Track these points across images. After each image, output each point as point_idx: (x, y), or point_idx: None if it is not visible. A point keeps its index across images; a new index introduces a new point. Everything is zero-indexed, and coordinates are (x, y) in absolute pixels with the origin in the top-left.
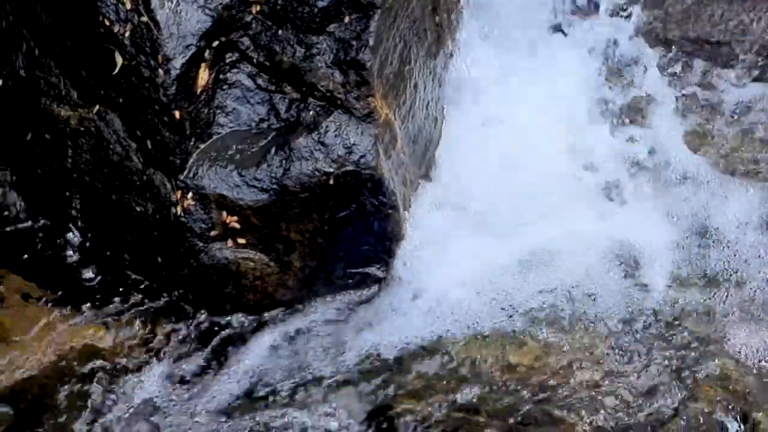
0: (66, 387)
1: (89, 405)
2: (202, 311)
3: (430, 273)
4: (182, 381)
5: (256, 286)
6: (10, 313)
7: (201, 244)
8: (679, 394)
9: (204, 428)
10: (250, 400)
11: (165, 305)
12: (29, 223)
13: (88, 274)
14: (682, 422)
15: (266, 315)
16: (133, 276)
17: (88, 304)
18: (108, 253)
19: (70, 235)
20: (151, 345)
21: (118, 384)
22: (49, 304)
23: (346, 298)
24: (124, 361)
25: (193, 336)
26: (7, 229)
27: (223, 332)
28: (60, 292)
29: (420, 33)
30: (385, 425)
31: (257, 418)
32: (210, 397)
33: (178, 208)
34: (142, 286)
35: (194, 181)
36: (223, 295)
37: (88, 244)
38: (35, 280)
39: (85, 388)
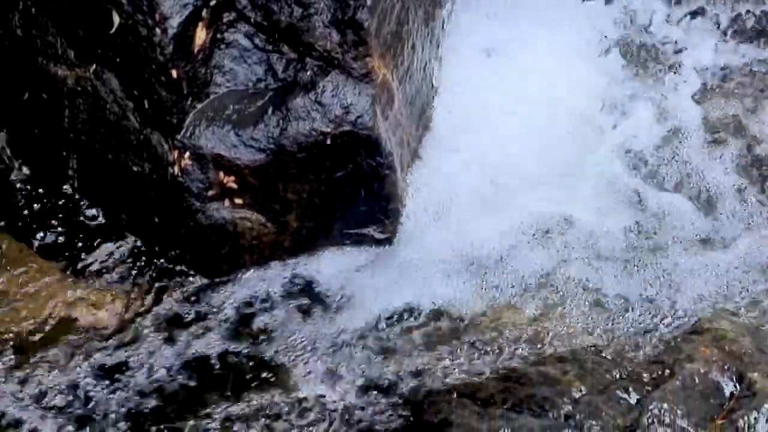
0: (69, 338)
1: (91, 358)
2: (199, 272)
3: (432, 235)
4: (175, 340)
5: (254, 247)
6: (7, 272)
7: (198, 204)
8: (676, 355)
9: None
10: (246, 358)
11: (162, 266)
12: (26, 183)
13: (85, 234)
14: (678, 383)
15: (263, 274)
16: (131, 236)
17: (86, 264)
18: (105, 213)
19: (67, 194)
20: (148, 305)
21: (116, 341)
22: (47, 264)
23: (344, 258)
24: (121, 320)
25: (190, 296)
26: (4, 188)
27: (219, 292)
28: (57, 253)
29: None
30: (386, 383)
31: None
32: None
33: (176, 168)
34: (140, 247)
35: (191, 141)
36: (220, 255)
37: (84, 204)
38: (33, 240)
39: (86, 342)
